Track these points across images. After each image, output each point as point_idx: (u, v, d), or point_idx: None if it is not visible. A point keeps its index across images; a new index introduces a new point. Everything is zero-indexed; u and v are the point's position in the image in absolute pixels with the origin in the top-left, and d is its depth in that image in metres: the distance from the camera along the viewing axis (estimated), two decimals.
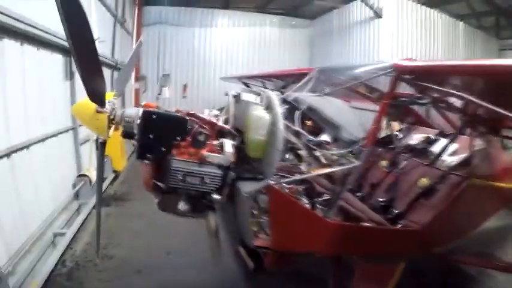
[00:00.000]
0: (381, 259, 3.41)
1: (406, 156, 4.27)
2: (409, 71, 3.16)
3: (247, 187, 2.93)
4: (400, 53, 11.91)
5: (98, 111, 2.92)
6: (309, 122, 3.33)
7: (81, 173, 7.19)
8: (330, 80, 4.19)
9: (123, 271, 5.35)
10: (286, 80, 7.60)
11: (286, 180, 2.96)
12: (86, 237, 6.34)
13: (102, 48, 9.05)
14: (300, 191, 3.06)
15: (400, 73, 3.11)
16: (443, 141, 4.13)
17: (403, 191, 3.89)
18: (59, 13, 2.22)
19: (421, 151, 4.30)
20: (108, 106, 2.96)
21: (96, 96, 2.81)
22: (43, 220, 5.51)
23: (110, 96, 3.10)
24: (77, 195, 7.04)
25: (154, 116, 2.90)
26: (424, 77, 3.20)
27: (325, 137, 3.18)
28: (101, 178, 3.45)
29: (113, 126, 3.10)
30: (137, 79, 14.76)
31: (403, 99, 4.05)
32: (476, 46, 14.39)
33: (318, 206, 3.10)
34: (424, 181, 3.78)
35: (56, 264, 5.30)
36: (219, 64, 16.19)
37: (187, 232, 5.61)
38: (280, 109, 3.00)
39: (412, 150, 4.42)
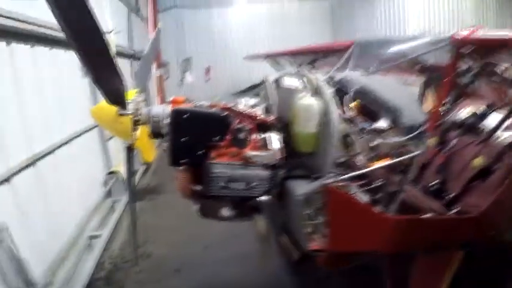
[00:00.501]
0: (440, 249, 3.09)
1: (455, 133, 3.83)
2: (475, 43, 2.72)
3: (299, 188, 2.58)
4: (430, 24, 11.17)
5: (120, 114, 2.55)
6: (353, 105, 2.91)
7: (111, 169, 7.01)
8: (373, 55, 3.73)
9: (162, 271, 5.19)
10: (313, 55, 7.12)
11: (344, 177, 2.59)
12: (122, 236, 6.21)
13: (119, 39, 8.80)
14: (357, 186, 2.69)
15: (462, 46, 2.68)
16: (495, 116, 3.66)
17: (455, 173, 3.49)
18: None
19: (471, 127, 3.87)
20: (130, 106, 2.60)
21: (115, 98, 2.46)
22: (76, 224, 5.37)
23: (131, 94, 2.71)
24: (109, 193, 6.89)
25: (185, 116, 2.51)
26: (490, 50, 2.75)
27: (381, 123, 2.77)
28: (132, 184, 3.14)
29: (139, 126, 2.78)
30: (159, 66, 14.49)
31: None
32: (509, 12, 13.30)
33: (376, 201, 2.73)
34: (479, 161, 3.35)
35: (96, 267, 5.17)
36: (240, 43, 15.69)
37: (224, 223, 5.29)
38: (331, 95, 2.59)
39: (460, 126, 3.97)
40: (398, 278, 3.32)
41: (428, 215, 2.91)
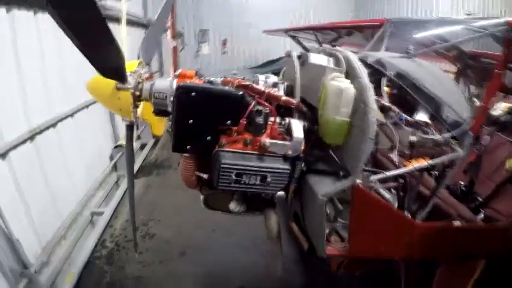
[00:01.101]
0: (465, 257, 2.83)
1: (488, 130, 3.45)
2: None
3: (322, 186, 2.18)
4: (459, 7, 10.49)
5: (118, 88, 2.21)
6: (386, 89, 2.49)
7: (118, 143, 6.73)
8: (410, 36, 3.28)
9: (165, 253, 4.97)
10: (337, 33, 6.68)
11: (376, 177, 2.20)
12: (125, 214, 5.95)
13: (133, 7, 8.41)
14: (388, 187, 2.33)
15: None
16: None
17: (486, 173, 3.23)
18: None
19: (506, 124, 3.48)
20: (131, 80, 2.23)
21: (111, 70, 2.09)
22: (79, 201, 5.14)
23: (133, 66, 2.34)
24: (115, 167, 6.64)
25: (193, 94, 2.08)
26: None
27: (422, 116, 2.35)
28: (131, 168, 2.79)
29: (141, 103, 2.42)
30: (174, 37, 14.06)
31: None
32: None
33: (406, 205, 2.37)
34: None
35: (96, 245, 4.99)
36: (258, 16, 15.10)
37: None
38: (367, 78, 2.11)
39: (494, 122, 3.58)
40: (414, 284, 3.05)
41: (457, 223, 2.60)
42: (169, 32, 13.05)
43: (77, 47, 1.74)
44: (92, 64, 1.90)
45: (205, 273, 4.58)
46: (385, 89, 2.44)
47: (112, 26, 5.45)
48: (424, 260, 2.89)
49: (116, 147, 6.69)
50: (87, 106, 5.52)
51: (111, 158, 6.62)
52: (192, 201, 5.27)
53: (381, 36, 3.27)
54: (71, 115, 5.10)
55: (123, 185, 6.40)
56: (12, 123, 3.78)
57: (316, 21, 14.82)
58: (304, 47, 7.85)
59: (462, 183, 3.13)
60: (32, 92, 4.15)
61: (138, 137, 8.56)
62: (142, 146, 8.57)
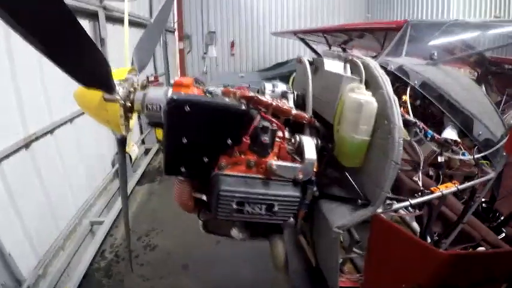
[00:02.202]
0: (486, 282, 2.53)
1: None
2: None
3: (338, 216, 1.90)
4: (476, 10, 10.16)
5: (105, 99, 1.94)
6: (404, 98, 2.21)
7: None
8: (435, 41, 3.01)
9: (167, 266, 4.75)
10: (348, 35, 6.45)
11: (401, 205, 1.92)
12: None
13: (138, 8, 8.21)
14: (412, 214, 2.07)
15: None
16: None
17: (507, 188, 2.90)
18: None
19: None
20: (120, 89, 1.95)
21: (94, 80, 1.79)
22: (78, 210, 4.94)
23: (123, 73, 2.08)
24: (117, 174, 6.43)
25: (187, 108, 1.77)
26: None
27: (450, 133, 2.07)
28: (124, 181, 2.57)
29: (133, 115, 2.17)
30: (181, 38, 13.91)
31: None
32: None
33: (429, 231, 2.12)
34: None
35: (95, 256, 4.79)
36: (268, 17, 14.92)
37: None
38: (391, 90, 1.82)
39: None
40: None
41: (482, 249, 2.34)
42: (176, 34, 12.90)
43: (42, 52, 1.42)
44: (67, 73, 1.59)
45: None
46: (407, 99, 2.17)
47: (116, 27, 5.23)
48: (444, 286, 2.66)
49: (117, 153, 6.48)
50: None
51: (113, 164, 6.42)
52: None
53: (400, 40, 3.00)
54: (70, 120, 4.89)
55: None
56: (6, 130, 3.58)
57: (325, 23, 14.64)
58: (313, 50, 7.64)
59: (483, 199, 2.89)
60: (28, 97, 3.95)
61: (142, 142, 8.38)
62: (147, 151, 8.38)
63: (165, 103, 1.83)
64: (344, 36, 6.51)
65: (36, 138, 4.02)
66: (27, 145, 3.86)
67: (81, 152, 5.21)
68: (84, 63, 1.62)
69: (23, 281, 3.55)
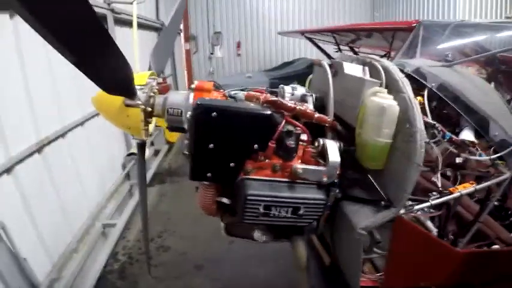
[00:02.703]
0: (501, 279, 2.56)
1: None
2: None
3: (361, 217, 1.91)
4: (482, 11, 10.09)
5: (126, 105, 1.94)
6: (419, 99, 2.21)
7: (131, 151, 6.56)
8: (450, 42, 3.01)
9: (181, 267, 4.79)
10: (355, 35, 6.46)
11: (422, 206, 1.92)
12: (138, 225, 5.77)
13: (145, 10, 8.24)
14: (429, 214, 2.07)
15: None
16: None
17: None
18: None
19: None
20: (141, 94, 1.96)
21: (117, 85, 1.80)
22: (90, 212, 4.96)
23: (144, 77, 2.09)
24: (128, 176, 6.47)
25: (214, 114, 1.77)
26: None
27: (467, 135, 2.08)
28: (144, 186, 2.57)
29: (153, 119, 2.18)
30: (187, 39, 13.94)
31: None
32: None
33: (445, 231, 2.13)
34: None
35: (108, 259, 4.81)
36: (274, 17, 14.93)
37: None
38: (412, 93, 1.83)
39: None
40: None
41: (496, 247, 2.35)
42: (182, 35, 12.94)
43: (68, 59, 1.40)
44: (91, 80, 1.60)
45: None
46: (425, 101, 2.17)
47: (123, 29, 5.27)
48: (460, 285, 2.67)
49: (128, 155, 6.51)
50: (98, 114, 5.34)
51: (124, 166, 6.45)
52: None
53: (413, 41, 3.00)
54: (81, 124, 4.92)
55: (137, 194, 6.23)
56: (19, 135, 3.61)
57: (331, 22, 14.65)
58: (322, 50, 7.66)
59: (496, 199, 2.90)
60: (40, 101, 3.97)
61: (152, 144, 8.41)
62: (156, 153, 8.41)
63: (190, 105, 1.86)
64: (352, 36, 6.53)
65: (49, 142, 4.05)
66: (39, 149, 3.88)
67: (92, 155, 5.24)
68: (109, 69, 1.64)
69: (38, 285, 3.55)
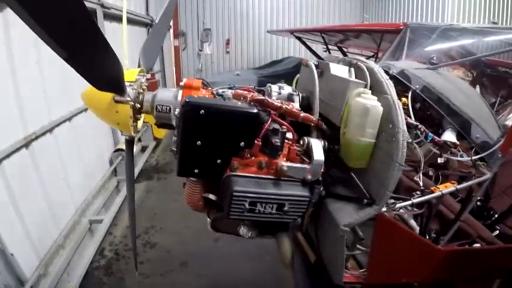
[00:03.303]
0: (481, 277, 2.67)
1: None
2: None
3: (344, 215, 1.97)
4: (471, 14, 10.21)
5: (116, 101, 1.98)
6: (404, 100, 2.26)
7: (118, 147, 6.55)
8: (436, 45, 3.07)
9: (166, 263, 4.79)
10: (344, 35, 6.53)
11: (403, 204, 1.99)
12: (126, 220, 5.77)
13: (134, 5, 8.21)
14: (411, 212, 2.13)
15: None
16: None
17: (501, 187, 2.98)
18: None
19: None
20: (130, 91, 2.00)
21: (107, 82, 1.82)
22: (77, 208, 4.95)
23: (133, 74, 2.12)
24: (115, 172, 6.45)
25: (202, 111, 1.81)
26: None
27: (449, 136, 2.13)
28: (131, 182, 2.59)
29: (142, 116, 2.21)
30: (176, 36, 13.89)
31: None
32: None
33: (427, 229, 2.19)
34: None
35: (95, 255, 4.82)
36: (263, 16, 14.94)
37: None
38: (395, 94, 1.89)
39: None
40: None
41: (477, 245, 2.43)
42: (171, 31, 12.88)
43: (60, 54, 1.41)
44: (81, 75, 1.61)
45: (208, 285, 4.40)
46: (408, 103, 2.23)
47: (113, 25, 5.23)
48: (441, 283, 2.74)
49: (115, 151, 6.49)
50: (85, 109, 5.33)
51: (111, 162, 6.43)
52: None
53: (399, 43, 3.06)
54: (69, 119, 4.90)
55: (124, 190, 6.22)
56: (6, 130, 3.59)
57: (320, 22, 14.71)
58: (310, 49, 7.71)
59: (478, 198, 2.97)
60: (28, 96, 3.95)
61: (139, 140, 8.39)
62: (143, 149, 8.39)
63: (178, 103, 1.90)
64: (341, 36, 6.59)
65: (36, 138, 4.02)
66: (27, 144, 3.86)
67: (79, 151, 5.22)
68: (99, 65, 1.65)
69: (26, 281, 3.55)
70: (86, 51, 1.50)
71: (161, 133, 2.95)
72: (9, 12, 3.57)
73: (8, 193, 3.55)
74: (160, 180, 7.44)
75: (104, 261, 4.84)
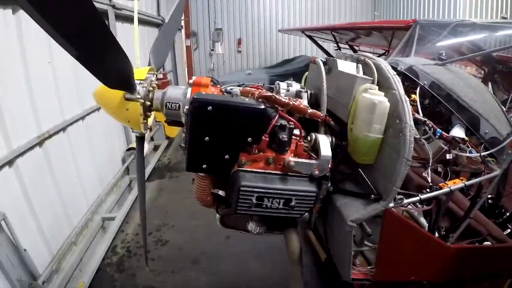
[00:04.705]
0: (491, 276, 2.65)
1: None
2: None
3: (352, 210, 1.97)
4: (483, 11, 10.08)
5: (126, 99, 2.01)
6: (414, 97, 2.25)
7: (131, 146, 6.62)
8: (445, 41, 3.05)
9: (178, 260, 4.82)
10: (355, 33, 6.50)
11: (411, 200, 1.98)
12: (138, 218, 5.82)
13: (146, 6, 8.28)
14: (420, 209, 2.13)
15: None
16: None
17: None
18: None
19: None
20: (140, 89, 2.03)
21: (118, 80, 1.86)
22: (90, 206, 5.03)
23: (143, 72, 2.15)
24: (127, 170, 6.52)
25: (210, 108, 1.83)
26: None
27: (458, 132, 2.13)
28: (142, 180, 2.62)
29: (152, 113, 2.24)
30: (188, 35, 13.96)
31: None
32: None
33: (437, 226, 2.18)
34: None
35: (107, 252, 4.88)
36: (274, 15, 14.94)
37: None
38: (402, 89, 1.88)
39: None
40: None
41: (488, 243, 2.40)
42: (183, 32, 12.95)
43: (71, 53, 1.46)
44: (93, 74, 1.65)
45: (218, 283, 4.42)
46: (417, 99, 2.22)
47: (124, 25, 5.30)
48: (451, 280, 2.71)
49: (128, 149, 6.57)
50: (98, 109, 5.40)
51: (124, 161, 6.50)
52: None
53: (409, 40, 3.04)
54: (82, 118, 4.98)
55: (136, 188, 6.28)
56: (20, 128, 3.67)
57: (331, 21, 14.67)
58: (321, 47, 7.70)
59: (489, 196, 2.93)
60: (42, 96, 4.02)
61: (151, 139, 8.46)
62: (156, 148, 8.46)
63: (189, 103, 1.90)
64: (352, 34, 6.57)
65: (50, 136, 4.10)
66: (40, 143, 3.94)
67: (92, 150, 5.30)
68: (110, 64, 1.69)
69: (38, 276, 3.63)
70: (95, 50, 1.54)
71: (173, 132, 2.96)
72: (22, 13, 3.65)
73: (22, 190, 3.63)
74: (172, 178, 7.49)
75: (116, 258, 4.89)
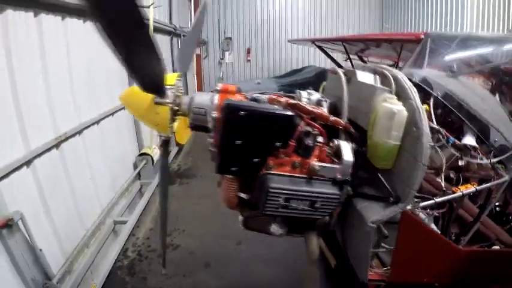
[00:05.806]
0: (501, 281, 2.65)
1: None
2: None
3: (372, 212, 2.07)
4: (490, 20, 10.14)
5: (156, 103, 2.11)
6: (425, 106, 2.35)
7: (142, 151, 6.72)
8: (455, 54, 3.15)
9: (189, 265, 4.88)
10: (364, 44, 6.59)
11: (426, 203, 2.07)
12: (148, 222, 5.93)
13: (159, 14, 8.42)
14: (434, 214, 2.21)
15: None
16: None
17: None
18: None
19: None
20: (170, 94, 2.12)
21: (152, 83, 1.97)
22: (102, 209, 5.11)
23: (173, 78, 2.24)
24: (139, 175, 6.62)
25: (242, 113, 1.94)
26: None
27: (469, 140, 2.23)
28: (166, 184, 2.71)
29: (178, 116, 2.33)
30: (197, 44, 14.13)
31: None
32: None
33: (447, 229, 2.26)
34: None
35: (118, 255, 4.94)
36: (284, 25, 15.10)
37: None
38: (419, 99, 1.99)
39: None
40: None
41: (496, 247, 2.47)
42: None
43: (122, 60, 1.61)
44: (134, 77, 1.79)
45: (229, 287, 4.49)
46: (430, 109, 2.32)
47: None
48: (460, 284, 2.77)
49: (140, 155, 6.67)
50: (112, 113, 5.51)
51: (135, 166, 6.59)
52: (218, 211, 5.24)
53: (421, 52, 3.14)
54: (97, 122, 5.08)
55: (147, 193, 6.37)
56: (39, 130, 3.76)
57: (340, 32, 14.78)
58: (331, 58, 7.80)
59: (497, 203, 3.00)
60: (59, 99, 4.14)
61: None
62: None
63: (214, 106, 2.03)
64: (361, 45, 6.66)
65: (66, 139, 4.20)
66: (57, 145, 4.04)
67: (105, 153, 5.40)
68: (149, 69, 1.81)
69: (52, 276, 3.69)
70: (140, 56, 1.68)
71: (183, 139, 3.05)
72: (43, 16, 3.78)
73: (39, 191, 3.71)
74: (182, 185, 7.56)
75: (127, 262, 4.96)
